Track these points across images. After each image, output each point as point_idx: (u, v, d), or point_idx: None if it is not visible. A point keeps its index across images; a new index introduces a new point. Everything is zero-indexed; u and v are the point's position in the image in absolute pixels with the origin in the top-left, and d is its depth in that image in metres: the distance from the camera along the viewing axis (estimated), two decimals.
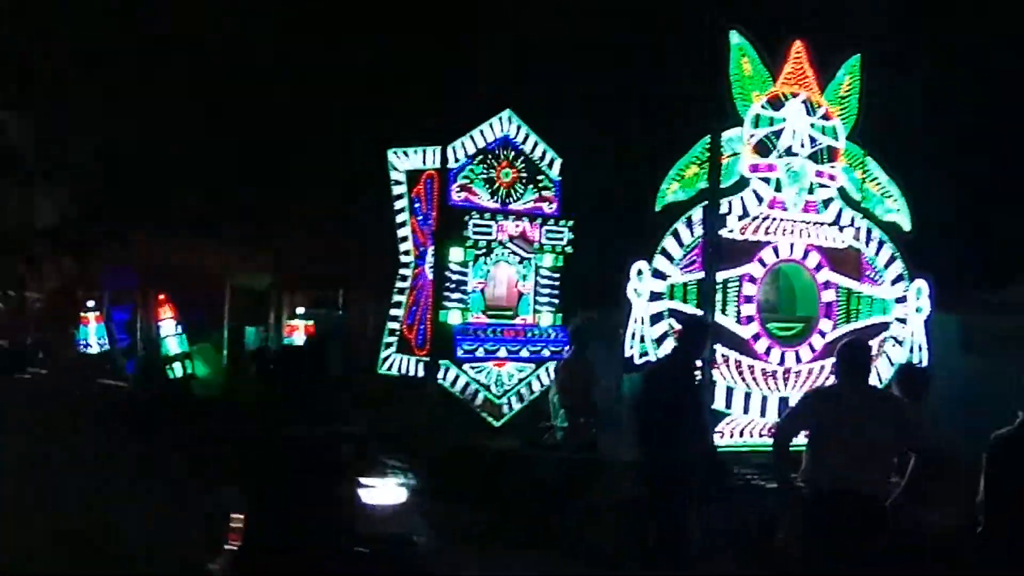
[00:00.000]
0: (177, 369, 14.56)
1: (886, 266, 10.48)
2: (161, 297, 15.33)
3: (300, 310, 15.67)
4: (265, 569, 6.19)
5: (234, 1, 16.60)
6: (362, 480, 6.85)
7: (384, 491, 6.98)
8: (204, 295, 17.43)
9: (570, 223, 12.45)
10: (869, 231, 10.37)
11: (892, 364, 10.14)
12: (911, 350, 10.48)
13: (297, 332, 15.71)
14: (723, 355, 9.50)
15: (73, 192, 20.22)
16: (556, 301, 12.44)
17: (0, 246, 17.71)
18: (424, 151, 12.03)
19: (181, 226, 18.51)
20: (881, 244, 10.46)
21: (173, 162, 17.10)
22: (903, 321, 10.49)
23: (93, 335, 17.10)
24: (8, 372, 19.93)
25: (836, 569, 6.22)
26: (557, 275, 12.42)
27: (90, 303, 17.66)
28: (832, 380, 7.98)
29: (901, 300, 10.51)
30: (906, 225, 10.59)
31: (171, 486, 9.82)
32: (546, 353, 12.24)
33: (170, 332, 14.68)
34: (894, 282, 10.50)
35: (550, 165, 12.41)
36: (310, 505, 6.33)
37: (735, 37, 9.63)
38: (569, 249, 12.42)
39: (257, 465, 6.65)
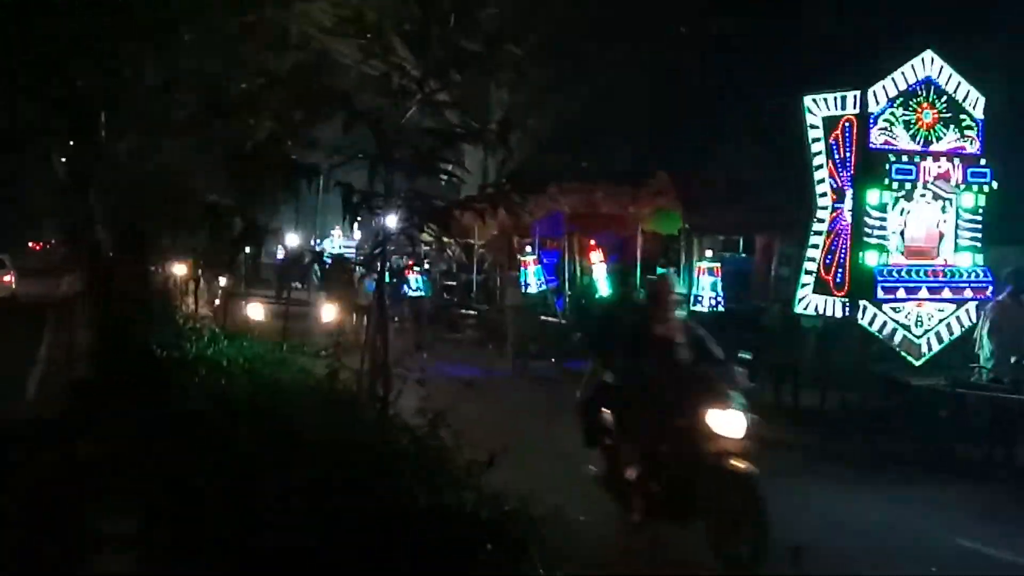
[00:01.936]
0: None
1: None
2: (592, 243, 15.73)
3: (709, 253, 15.56)
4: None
5: None
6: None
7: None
8: (618, 239, 17.86)
9: (993, 162, 11.54)
10: None
11: None
12: None
13: (704, 274, 15.61)
14: None
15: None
16: (978, 241, 11.59)
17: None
18: (842, 96, 11.52)
19: (598, 176, 19.06)
20: None
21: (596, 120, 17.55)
22: None
23: (532, 276, 18.03)
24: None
25: None
26: (979, 215, 11.56)
27: (528, 248, 18.57)
28: None
29: None
30: None
31: None
32: (967, 294, 11.55)
33: (601, 275, 15.07)
34: None
35: (973, 105, 11.53)
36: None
37: None
38: (992, 187, 11.47)
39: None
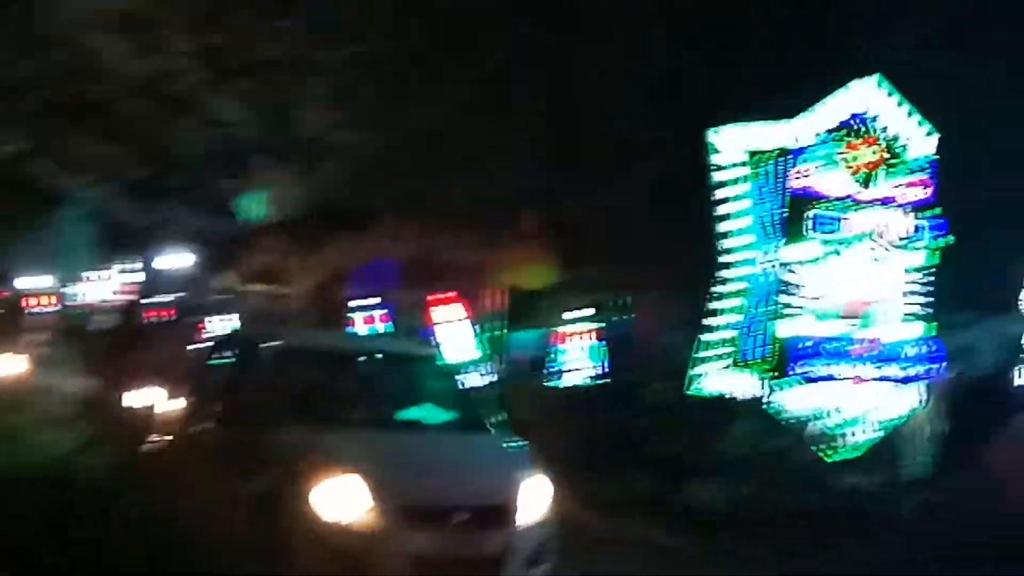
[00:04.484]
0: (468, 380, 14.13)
1: None
2: (434, 298, 15.37)
3: (576, 314, 15.32)
4: None
5: None
6: None
7: None
8: (468, 295, 17.23)
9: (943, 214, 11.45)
10: None
11: None
12: None
13: (571, 339, 15.42)
14: None
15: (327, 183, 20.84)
16: (928, 307, 11.49)
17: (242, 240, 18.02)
18: (760, 128, 11.46)
19: (447, 219, 18.38)
20: None
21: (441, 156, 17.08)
22: None
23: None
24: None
25: None
26: (929, 276, 11.44)
27: (359, 302, 17.76)
28: None
29: None
30: None
31: None
32: (909, 372, 11.38)
33: (457, 335, 14.58)
34: None
35: (924, 143, 11.43)
36: None
37: None
38: (948, 240, 11.34)
39: None
